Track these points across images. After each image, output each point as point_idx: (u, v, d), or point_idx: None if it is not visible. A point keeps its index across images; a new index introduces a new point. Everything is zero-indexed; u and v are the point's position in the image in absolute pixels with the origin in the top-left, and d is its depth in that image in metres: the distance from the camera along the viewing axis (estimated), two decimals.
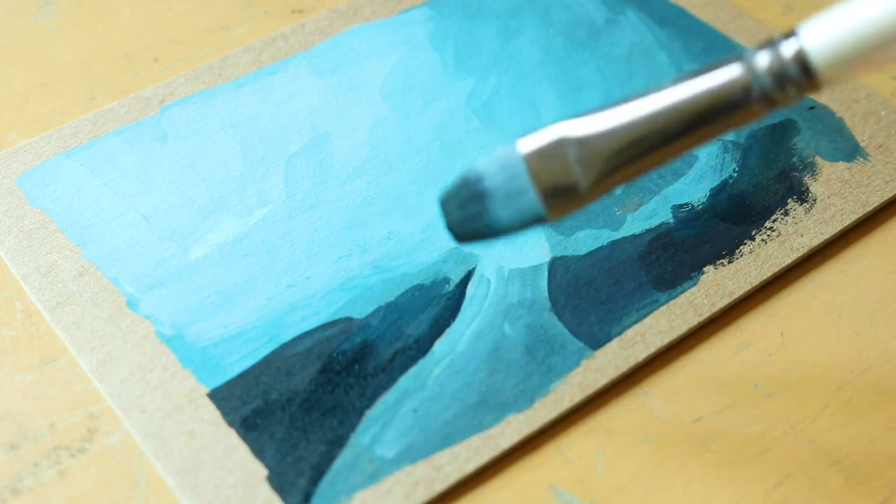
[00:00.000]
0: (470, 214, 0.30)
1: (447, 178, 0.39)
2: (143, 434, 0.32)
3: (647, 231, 0.38)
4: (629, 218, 0.38)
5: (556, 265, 0.37)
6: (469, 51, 0.44)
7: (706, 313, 0.36)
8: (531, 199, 0.28)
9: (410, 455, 0.32)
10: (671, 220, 0.38)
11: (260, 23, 0.46)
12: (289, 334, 0.35)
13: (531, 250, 0.37)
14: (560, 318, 0.35)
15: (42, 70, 0.44)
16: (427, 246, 0.37)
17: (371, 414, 0.33)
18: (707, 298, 0.36)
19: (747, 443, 0.33)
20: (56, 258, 0.36)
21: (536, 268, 0.37)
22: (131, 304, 0.35)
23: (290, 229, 0.38)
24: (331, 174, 0.40)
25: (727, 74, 0.26)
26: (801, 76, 0.25)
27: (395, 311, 0.35)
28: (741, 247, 0.38)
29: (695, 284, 0.36)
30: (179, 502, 0.31)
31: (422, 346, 0.34)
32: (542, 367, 0.34)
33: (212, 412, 0.33)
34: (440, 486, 0.31)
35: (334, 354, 0.34)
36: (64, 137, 0.40)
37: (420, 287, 0.36)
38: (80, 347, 0.34)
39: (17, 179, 0.39)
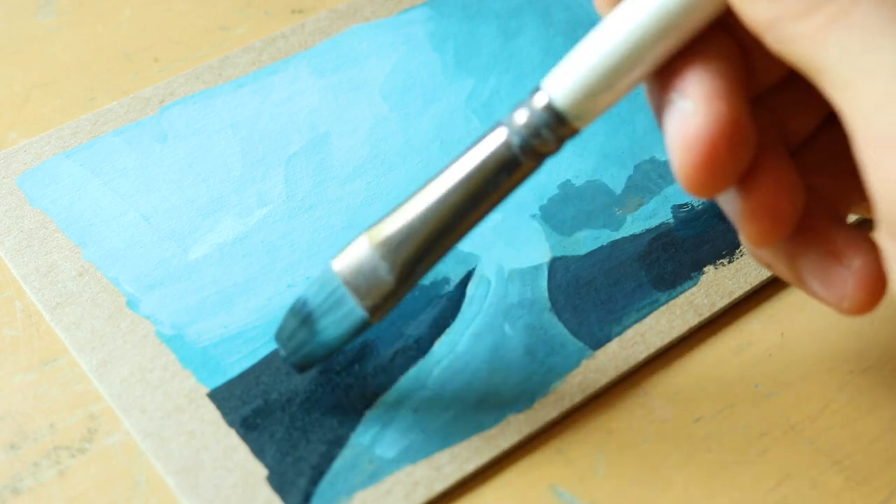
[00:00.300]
0: (302, 340, 0.32)
1: None
2: (143, 434, 0.32)
3: (647, 231, 0.38)
4: (629, 218, 0.38)
5: (556, 265, 0.37)
6: (469, 51, 0.44)
7: (706, 313, 0.36)
8: (350, 305, 0.30)
9: (410, 455, 0.32)
10: (671, 220, 0.38)
11: (260, 23, 0.46)
12: None
13: (531, 250, 0.37)
14: (560, 318, 0.35)
15: (42, 70, 0.44)
16: None
17: (371, 414, 0.33)
18: (707, 298, 0.36)
19: (747, 443, 0.33)
20: (56, 258, 0.36)
21: (536, 268, 0.37)
22: (131, 304, 0.35)
23: (290, 229, 0.38)
24: (331, 174, 0.40)
25: (494, 141, 0.28)
26: (555, 123, 0.28)
27: (394, 311, 0.35)
28: (741, 247, 0.38)
29: (695, 284, 0.36)
30: (179, 502, 0.31)
31: (422, 347, 0.34)
32: (543, 367, 0.34)
33: (212, 412, 0.33)
34: (440, 486, 0.31)
35: (334, 354, 0.34)
36: (64, 137, 0.40)
37: (420, 287, 0.36)
38: (80, 347, 0.34)
39: (17, 179, 0.39)
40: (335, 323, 0.31)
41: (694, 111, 0.26)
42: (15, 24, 0.46)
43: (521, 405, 0.33)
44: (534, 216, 0.38)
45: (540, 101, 0.28)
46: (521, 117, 0.28)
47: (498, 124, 0.29)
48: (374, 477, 0.31)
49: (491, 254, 0.37)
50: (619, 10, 0.27)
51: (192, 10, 0.47)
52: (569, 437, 0.33)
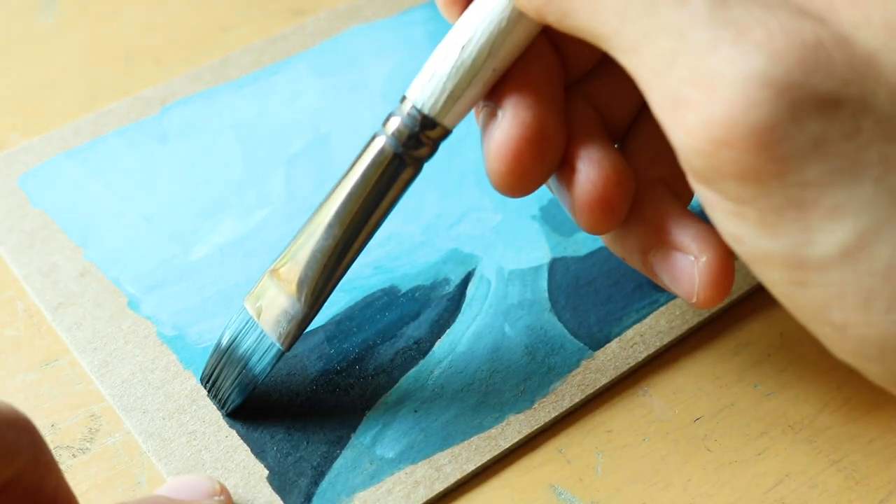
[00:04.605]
0: (223, 377, 0.32)
1: (447, 178, 0.40)
2: (145, 434, 0.32)
3: None
4: None
5: (556, 266, 0.37)
6: None
7: (706, 313, 0.36)
8: (260, 334, 0.31)
9: (411, 455, 0.32)
10: None
11: (260, 23, 0.46)
12: None
13: (531, 251, 0.37)
14: (560, 318, 0.35)
15: (43, 71, 0.44)
16: (427, 247, 0.37)
17: (372, 414, 0.33)
18: None
19: (747, 442, 0.33)
20: (57, 258, 0.37)
21: (536, 269, 0.37)
22: (133, 304, 0.35)
23: (291, 230, 0.38)
24: (332, 175, 0.40)
25: (374, 151, 0.30)
26: (426, 126, 0.29)
27: (395, 312, 0.35)
28: None
29: None
30: None
31: (422, 347, 0.34)
32: (542, 367, 0.34)
33: (213, 413, 0.33)
34: (440, 487, 0.31)
35: (334, 354, 0.34)
36: (65, 138, 0.41)
37: (420, 288, 0.36)
38: (81, 348, 0.34)
39: (19, 180, 0.39)
40: (250, 356, 0.31)
41: (501, 121, 0.28)
42: (16, 24, 0.46)
43: (521, 405, 0.33)
44: (534, 217, 0.38)
45: (407, 107, 0.29)
46: (393, 125, 0.29)
47: (374, 135, 0.30)
48: (374, 477, 0.31)
49: (491, 254, 0.37)
50: (461, 22, 0.28)
51: (193, 11, 0.47)
52: (568, 437, 0.33)
